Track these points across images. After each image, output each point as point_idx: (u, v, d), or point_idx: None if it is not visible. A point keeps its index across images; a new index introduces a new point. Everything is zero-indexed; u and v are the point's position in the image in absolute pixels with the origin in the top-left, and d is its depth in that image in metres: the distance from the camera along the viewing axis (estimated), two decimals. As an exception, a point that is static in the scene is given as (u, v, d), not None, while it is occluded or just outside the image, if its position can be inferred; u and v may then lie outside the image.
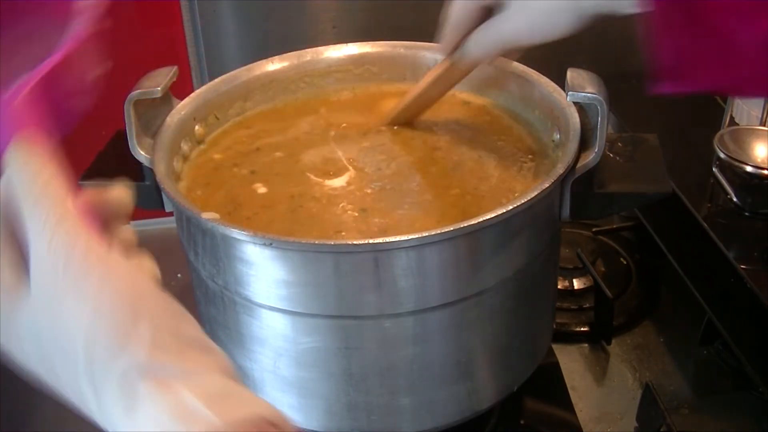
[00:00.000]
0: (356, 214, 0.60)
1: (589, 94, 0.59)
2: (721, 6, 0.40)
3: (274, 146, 0.70)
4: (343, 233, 0.58)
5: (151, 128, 0.65)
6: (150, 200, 0.66)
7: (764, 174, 0.74)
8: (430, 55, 0.75)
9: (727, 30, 0.40)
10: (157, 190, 0.64)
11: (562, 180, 0.58)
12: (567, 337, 0.82)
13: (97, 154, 0.69)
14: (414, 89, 0.70)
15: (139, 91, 0.62)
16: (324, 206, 0.62)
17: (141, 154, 0.63)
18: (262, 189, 0.64)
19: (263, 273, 0.56)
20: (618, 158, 0.65)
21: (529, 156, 0.66)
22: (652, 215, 0.84)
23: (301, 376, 0.60)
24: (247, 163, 0.68)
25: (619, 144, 0.67)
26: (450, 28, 0.63)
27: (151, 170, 0.62)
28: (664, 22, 0.42)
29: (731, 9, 0.40)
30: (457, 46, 0.63)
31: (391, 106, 0.72)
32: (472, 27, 0.61)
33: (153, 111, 0.66)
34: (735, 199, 0.75)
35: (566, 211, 0.62)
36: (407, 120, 0.71)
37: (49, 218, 0.36)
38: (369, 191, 0.63)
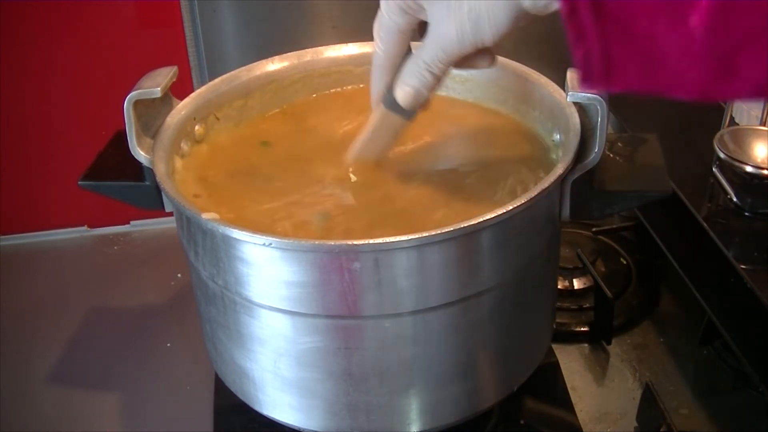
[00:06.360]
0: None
1: (589, 94, 0.59)
2: (642, 11, 0.39)
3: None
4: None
5: (151, 128, 0.65)
6: (150, 200, 0.66)
7: (764, 174, 0.74)
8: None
9: (647, 34, 0.40)
10: (157, 190, 0.64)
11: (562, 180, 0.58)
12: (567, 337, 0.82)
13: (97, 154, 0.69)
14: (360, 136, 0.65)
15: (139, 91, 0.62)
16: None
17: (141, 154, 0.63)
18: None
19: (263, 273, 0.56)
20: (618, 158, 0.65)
21: (529, 156, 0.66)
22: (652, 215, 0.84)
23: (301, 376, 0.60)
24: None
25: (619, 144, 0.67)
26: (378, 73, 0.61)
27: (151, 170, 0.62)
28: (582, 25, 0.41)
29: (652, 14, 0.39)
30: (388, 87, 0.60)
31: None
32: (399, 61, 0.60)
33: (153, 111, 0.66)
34: (735, 199, 0.75)
35: (566, 211, 0.62)
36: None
37: None
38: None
